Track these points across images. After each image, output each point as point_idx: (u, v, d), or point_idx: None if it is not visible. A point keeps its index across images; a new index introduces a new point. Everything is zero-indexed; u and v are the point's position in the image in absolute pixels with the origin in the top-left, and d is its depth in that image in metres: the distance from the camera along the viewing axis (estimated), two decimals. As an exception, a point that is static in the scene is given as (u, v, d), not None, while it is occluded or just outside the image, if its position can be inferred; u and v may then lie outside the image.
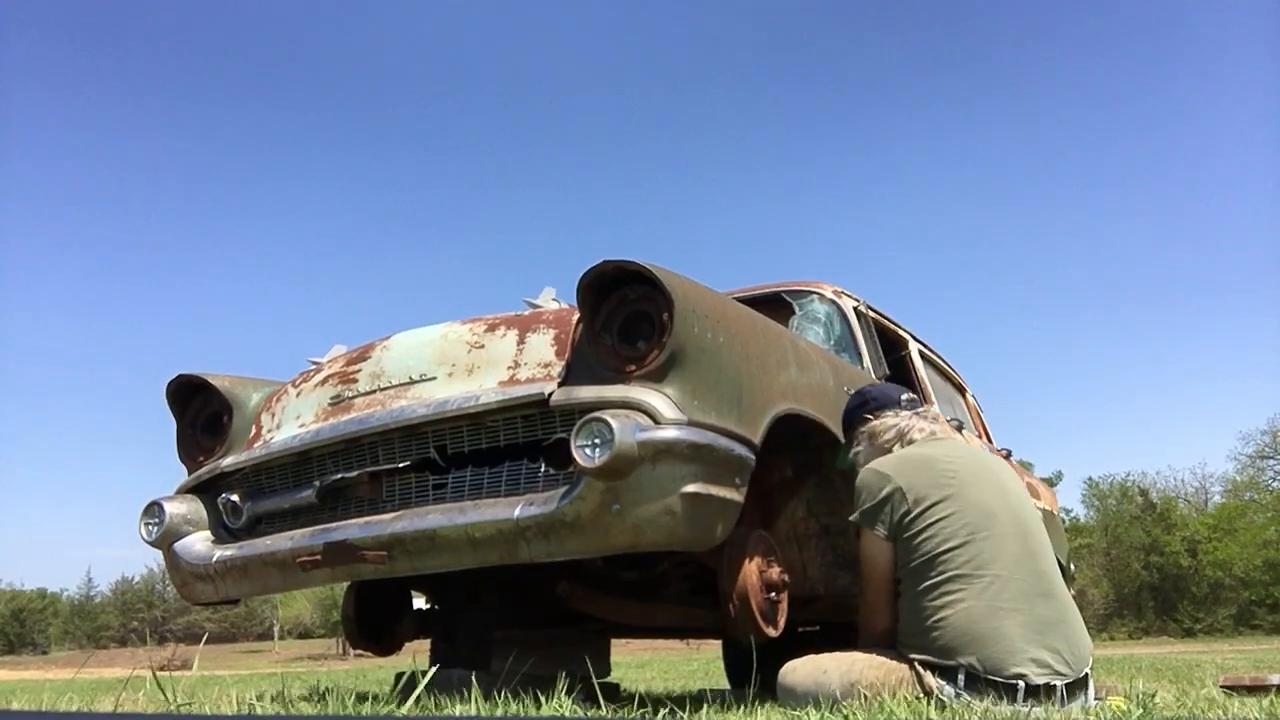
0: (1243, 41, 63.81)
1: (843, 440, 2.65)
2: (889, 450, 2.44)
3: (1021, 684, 2.08)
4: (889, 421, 2.46)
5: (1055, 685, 2.11)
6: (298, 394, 2.79)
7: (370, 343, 2.73)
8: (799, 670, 2.29)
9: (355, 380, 2.63)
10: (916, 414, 2.48)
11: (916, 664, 2.17)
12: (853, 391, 2.70)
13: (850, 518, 2.31)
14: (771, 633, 2.51)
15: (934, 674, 2.15)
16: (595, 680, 2.68)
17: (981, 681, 2.10)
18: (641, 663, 13.83)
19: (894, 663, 2.20)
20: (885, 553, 2.27)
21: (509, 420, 2.35)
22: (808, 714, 2.04)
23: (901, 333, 4.24)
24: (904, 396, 2.54)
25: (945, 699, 2.09)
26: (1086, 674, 2.21)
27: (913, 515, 2.22)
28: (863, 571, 2.33)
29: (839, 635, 2.64)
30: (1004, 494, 2.28)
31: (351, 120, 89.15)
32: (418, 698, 2.05)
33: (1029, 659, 2.11)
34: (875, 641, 2.33)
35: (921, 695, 2.11)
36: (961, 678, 2.12)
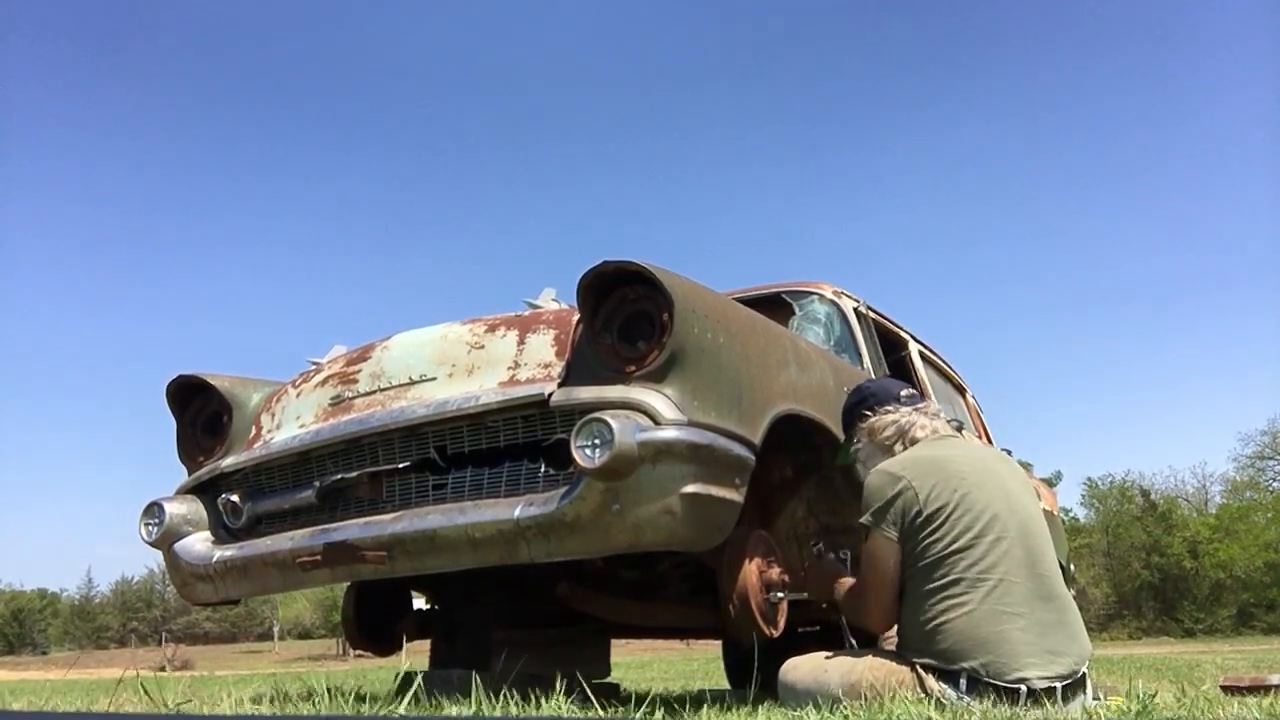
0: (1243, 41, 63.82)
1: (842, 438, 2.65)
2: (890, 447, 2.42)
3: (1023, 688, 2.08)
4: (888, 418, 2.44)
5: (1055, 688, 2.12)
6: (298, 394, 2.79)
7: (370, 343, 2.73)
8: (800, 668, 2.28)
9: (355, 381, 2.63)
10: (916, 410, 2.46)
11: (918, 667, 2.17)
12: (853, 388, 2.67)
13: (861, 519, 2.29)
14: (771, 633, 2.51)
15: (935, 677, 2.15)
16: (595, 680, 2.68)
17: (983, 685, 2.10)
18: (641, 663, 13.83)
19: (895, 664, 2.19)
20: (894, 555, 2.25)
21: (509, 421, 2.35)
22: (808, 714, 2.04)
23: (901, 333, 4.25)
24: (903, 392, 2.51)
25: (946, 702, 2.09)
26: (1084, 674, 2.21)
27: (922, 518, 2.21)
28: (866, 573, 2.32)
29: (839, 636, 2.64)
30: (1009, 496, 2.28)
31: (351, 119, 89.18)
32: (417, 698, 2.05)
33: (1031, 663, 2.11)
34: (871, 642, 2.33)
35: (922, 697, 2.11)
36: (963, 682, 2.11)
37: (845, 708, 2.04)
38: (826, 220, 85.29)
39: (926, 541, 2.20)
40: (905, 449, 2.40)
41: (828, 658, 2.29)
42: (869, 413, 2.47)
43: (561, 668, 2.50)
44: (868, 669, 2.18)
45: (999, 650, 2.10)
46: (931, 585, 2.18)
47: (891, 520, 2.24)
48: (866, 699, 2.09)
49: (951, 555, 2.17)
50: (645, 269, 2.19)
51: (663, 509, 2.10)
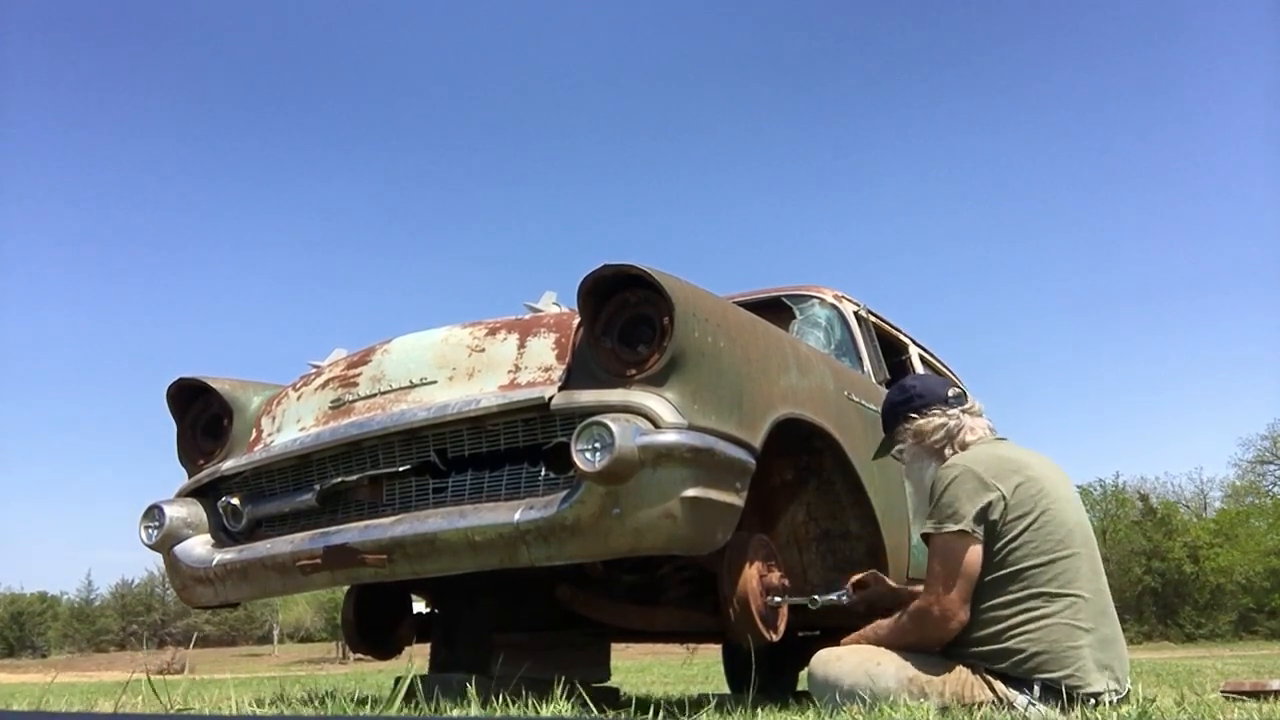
0: (1243, 41, 63.83)
1: (843, 441, 2.64)
2: (939, 450, 2.34)
3: (1094, 701, 2.08)
4: (936, 421, 2.36)
5: (1120, 700, 2.13)
6: (298, 397, 2.79)
7: (371, 346, 2.73)
8: (845, 660, 2.18)
9: (356, 384, 2.63)
10: (965, 411, 2.38)
11: (984, 672, 2.12)
12: (895, 384, 2.58)
13: (950, 522, 2.15)
14: (772, 637, 2.51)
15: (1005, 684, 2.10)
16: (595, 684, 2.67)
17: (1055, 696, 2.08)
18: (641, 667, 13.80)
19: (957, 665, 2.14)
20: (978, 556, 2.14)
21: (509, 424, 2.35)
22: (887, 712, 1.94)
23: (902, 337, 4.25)
24: (951, 393, 2.42)
25: (1019, 707, 2.06)
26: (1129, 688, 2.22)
27: (1004, 523, 2.14)
28: (945, 572, 2.14)
29: (840, 638, 2.63)
30: (1078, 509, 2.24)
31: (350, 120, 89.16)
32: (416, 701, 2.06)
33: (1101, 679, 2.11)
34: (927, 644, 2.20)
35: (993, 704, 2.07)
36: (1037, 689, 2.08)
37: (904, 708, 1.97)
38: (827, 222, 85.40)
39: (1007, 549, 2.15)
40: (955, 452, 2.33)
41: (873, 649, 2.20)
42: (915, 415, 2.39)
43: (561, 671, 2.50)
44: (932, 668, 2.12)
45: (1075, 665, 2.09)
46: (1009, 595, 2.14)
47: (980, 521, 2.15)
48: (937, 700, 2.05)
49: (1035, 567, 2.13)
50: (646, 273, 2.20)
51: (663, 513, 2.10)
